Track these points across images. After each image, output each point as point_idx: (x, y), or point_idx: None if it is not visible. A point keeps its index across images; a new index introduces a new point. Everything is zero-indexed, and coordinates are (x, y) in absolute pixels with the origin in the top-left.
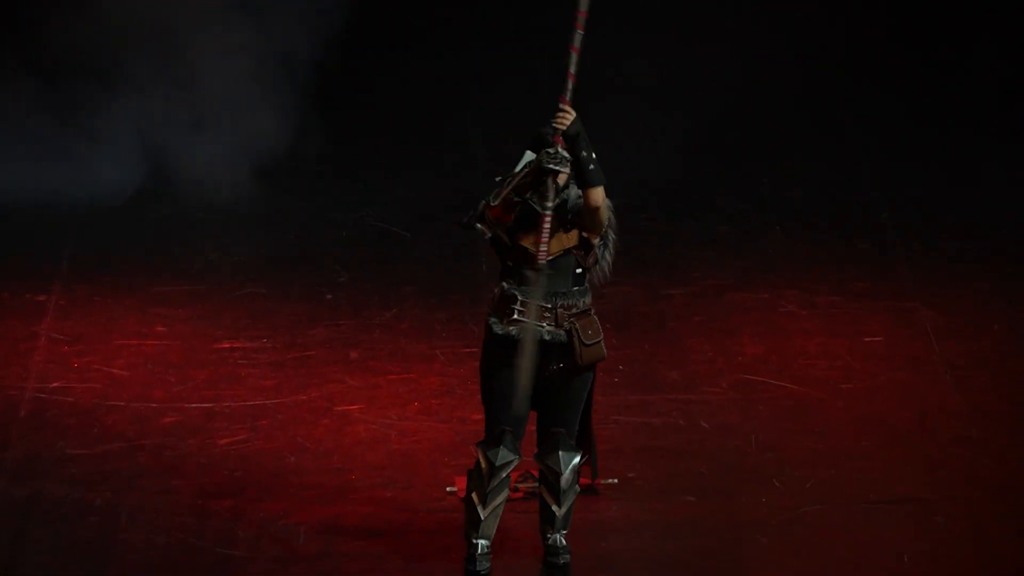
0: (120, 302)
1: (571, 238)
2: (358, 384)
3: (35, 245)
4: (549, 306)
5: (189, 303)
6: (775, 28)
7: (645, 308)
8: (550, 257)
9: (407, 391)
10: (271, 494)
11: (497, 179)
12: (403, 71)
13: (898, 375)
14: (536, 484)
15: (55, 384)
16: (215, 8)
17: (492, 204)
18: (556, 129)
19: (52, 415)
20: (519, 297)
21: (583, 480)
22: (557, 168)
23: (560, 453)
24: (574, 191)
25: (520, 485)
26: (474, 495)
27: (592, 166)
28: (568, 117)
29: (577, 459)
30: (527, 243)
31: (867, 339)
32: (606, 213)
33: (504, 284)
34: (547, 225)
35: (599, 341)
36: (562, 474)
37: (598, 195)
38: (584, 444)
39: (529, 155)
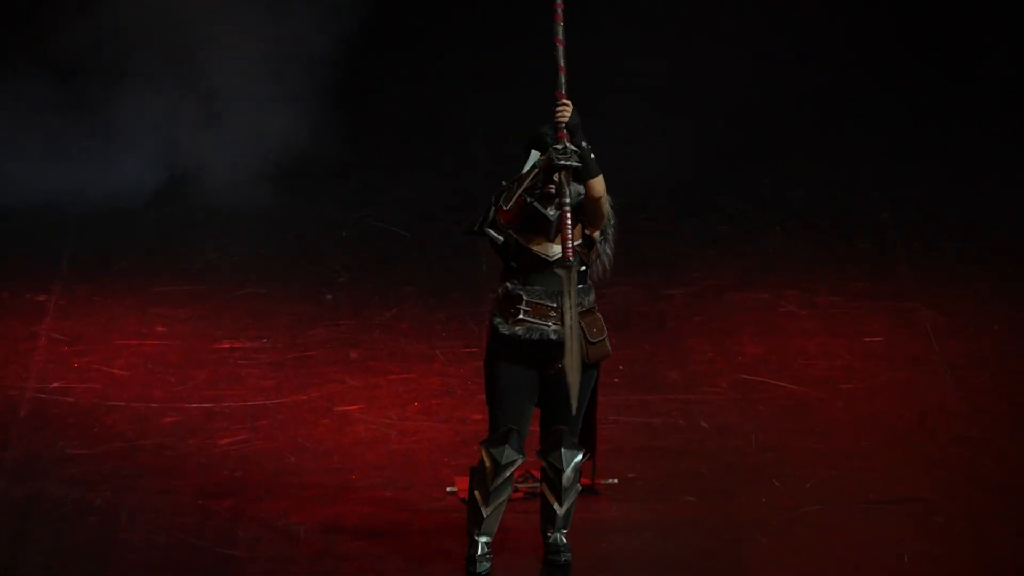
0: (120, 302)
1: (575, 235)
2: (358, 384)
3: (35, 245)
4: (555, 305)
5: (189, 303)
6: (776, 28)
7: (645, 308)
8: (557, 256)
9: (407, 391)
10: (271, 494)
11: (504, 182)
12: (403, 71)
13: (898, 375)
14: (536, 484)
15: (55, 384)
16: (215, 8)
17: (504, 208)
18: (559, 124)
19: (52, 415)
20: (524, 297)
21: (583, 480)
22: (569, 163)
23: (563, 450)
24: (573, 187)
25: (520, 485)
26: (477, 493)
27: (592, 156)
28: (567, 109)
29: (579, 457)
30: (536, 244)
31: (867, 339)
32: (607, 203)
33: (508, 284)
34: (569, 221)
35: (604, 339)
36: (564, 471)
37: (600, 185)
38: (587, 442)
39: (535, 155)
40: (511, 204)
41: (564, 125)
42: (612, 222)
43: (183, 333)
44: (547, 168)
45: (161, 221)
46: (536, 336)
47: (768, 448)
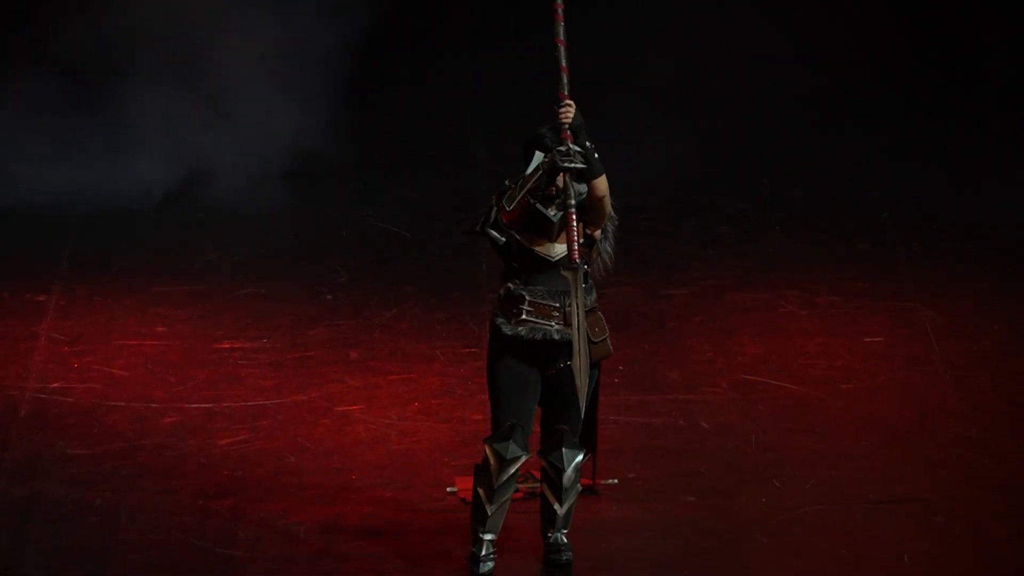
0: (120, 302)
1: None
2: (358, 384)
3: (35, 245)
4: (557, 305)
5: (189, 303)
6: (776, 28)
7: (645, 308)
8: (559, 256)
9: (407, 391)
10: (271, 494)
11: (507, 182)
12: (403, 71)
13: (898, 375)
14: (536, 484)
15: (55, 384)
16: (216, 8)
17: (508, 208)
18: (563, 125)
19: (52, 415)
20: (527, 297)
21: (584, 480)
22: (575, 165)
23: (563, 450)
24: (576, 187)
25: (520, 485)
26: (481, 490)
27: (596, 155)
28: (570, 110)
29: (580, 457)
30: (538, 245)
31: (867, 339)
32: (610, 202)
33: (510, 285)
34: (575, 223)
35: (605, 338)
36: (564, 471)
37: (604, 184)
38: (588, 442)
39: (539, 156)
40: (514, 205)
41: (568, 126)
42: (611, 219)
43: (183, 333)
44: (551, 170)
45: (161, 221)
46: (539, 336)
47: (768, 448)
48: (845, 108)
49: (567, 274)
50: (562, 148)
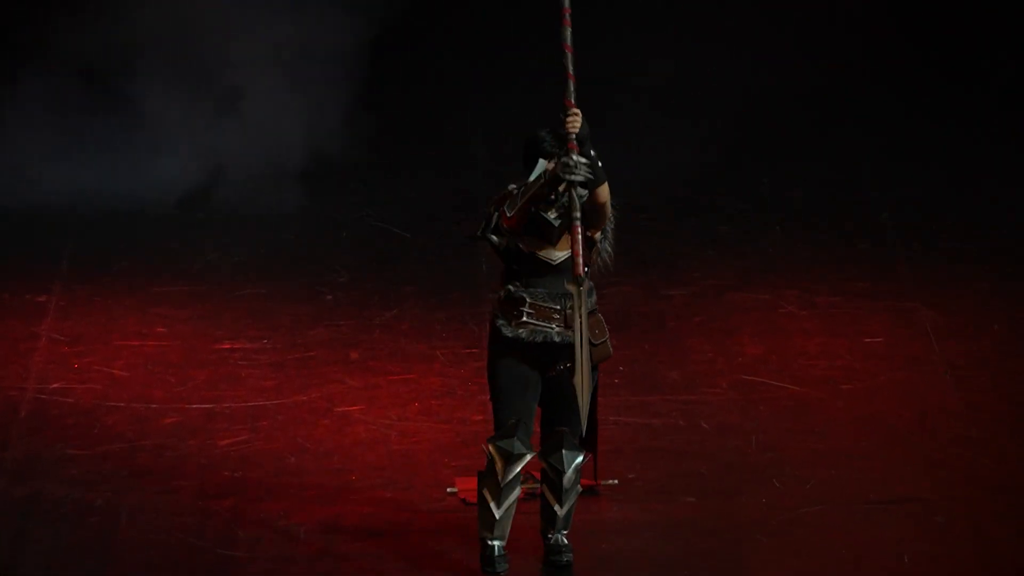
0: (120, 302)
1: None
2: (358, 384)
3: (35, 245)
4: (558, 307)
5: (189, 303)
6: (775, 28)
7: (645, 308)
8: (560, 260)
9: (407, 391)
10: (271, 494)
11: (511, 187)
12: (403, 71)
13: (898, 375)
14: (536, 485)
15: (55, 384)
16: (216, 9)
17: (509, 215)
18: (569, 135)
19: (52, 415)
20: (527, 299)
21: (584, 481)
22: (582, 178)
23: (563, 452)
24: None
25: (521, 486)
26: (487, 493)
27: (600, 164)
28: (577, 120)
29: (580, 458)
30: (539, 249)
31: (867, 339)
32: (609, 207)
33: (510, 287)
34: (580, 236)
35: (606, 340)
36: (565, 472)
37: (606, 191)
38: (588, 443)
39: (542, 164)
40: (515, 211)
41: (574, 136)
42: (611, 220)
43: (183, 333)
44: (555, 181)
45: (161, 221)
46: (540, 339)
47: (768, 448)
48: (845, 108)
49: (571, 288)
50: (568, 161)
